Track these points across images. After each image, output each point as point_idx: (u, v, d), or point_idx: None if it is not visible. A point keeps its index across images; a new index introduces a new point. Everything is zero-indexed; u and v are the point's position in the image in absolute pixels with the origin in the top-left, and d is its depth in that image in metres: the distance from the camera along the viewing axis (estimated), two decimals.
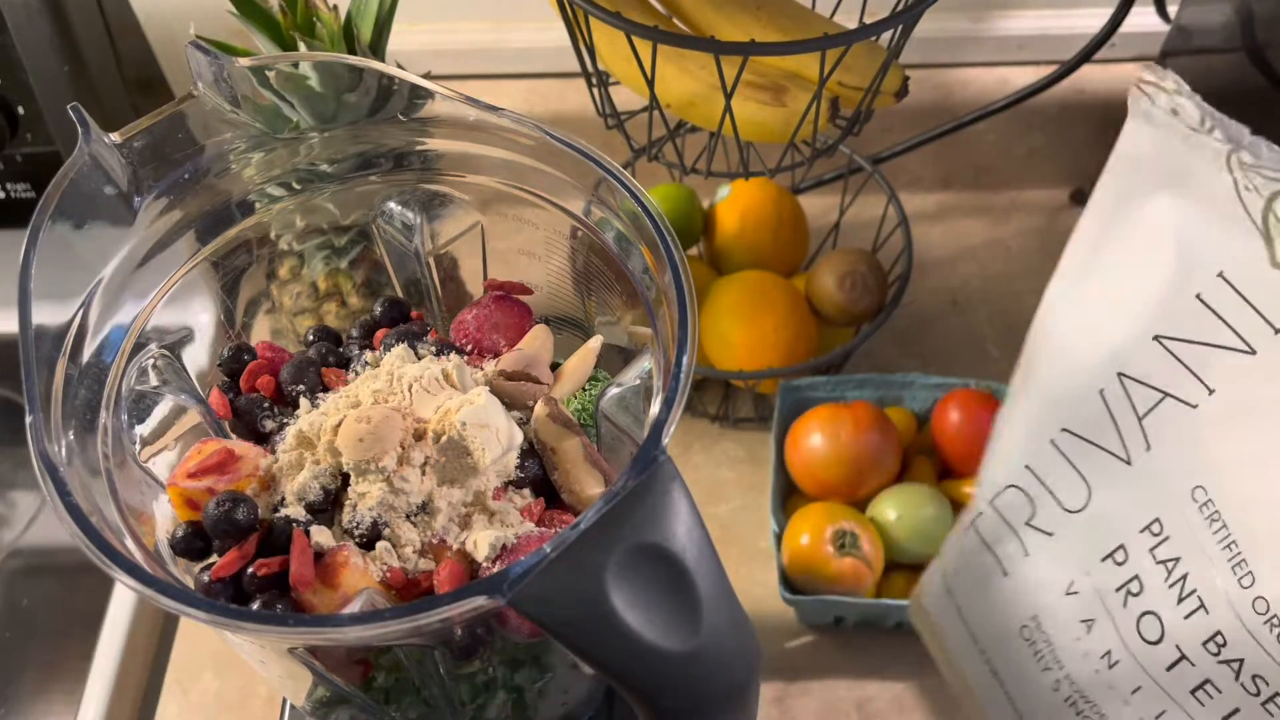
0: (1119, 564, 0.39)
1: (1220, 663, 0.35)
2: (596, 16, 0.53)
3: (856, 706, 0.66)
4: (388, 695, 0.39)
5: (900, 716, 0.65)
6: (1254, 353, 0.33)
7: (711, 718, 0.33)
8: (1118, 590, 0.39)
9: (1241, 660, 0.35)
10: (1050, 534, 0.42)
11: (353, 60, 0.42)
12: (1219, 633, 0.35)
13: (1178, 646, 0.37)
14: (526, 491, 0.38)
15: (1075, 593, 0.41)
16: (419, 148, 0.43)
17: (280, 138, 0.42)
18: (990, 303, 0.85)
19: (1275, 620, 0.33)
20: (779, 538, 0.65)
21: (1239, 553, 0.34)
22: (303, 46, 0.52)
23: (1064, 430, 0.40)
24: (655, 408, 0.35)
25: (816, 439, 0.66)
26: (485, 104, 0.39)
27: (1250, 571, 0.34)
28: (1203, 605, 0.36)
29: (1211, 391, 0.34)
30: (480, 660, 0.38)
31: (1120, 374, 0.37)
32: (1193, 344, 0.34)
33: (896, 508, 0.65)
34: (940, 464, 0.70)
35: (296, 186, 0.43)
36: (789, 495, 0.70)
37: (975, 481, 0.68)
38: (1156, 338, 0.35)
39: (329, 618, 0.33)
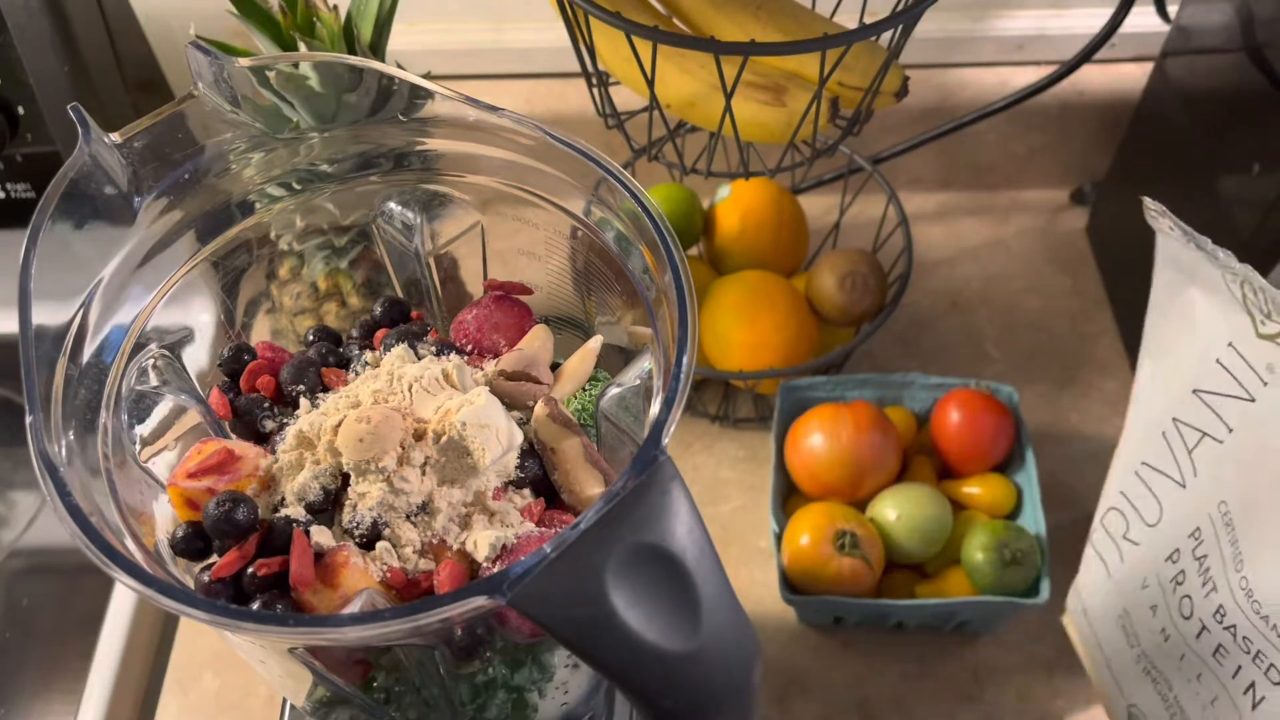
0: (1174, 563, 0.50)
1: (1224, 629, 0.46)
2: (596, 16, 0.53)
3: (856, 706, 0.66)
4: (388, 695, 0.39)
5: (900, 716, 0.65)
6: (1253, 400, 0.43)
7: (711, 718, 0.33)
8: (1170, 581, 0.50)
9: (1235, 625, 0.45)
10: (1137, 544, 0.53)
11: (353, 60, 0.42)
12: (1221, 606, 0.46)
13: (1200, 619, 0.48)
14: (526, 491, 0.38)
15: (1147, 587, 0.52)
16: (419, 148, 0.43)
17: (280, 138, 0.42)
18: (990, 303, 0.85)
19: (1250, 593, 0.44)
20: (779, 538, 0.65)
21: (1238, 547, 0.44)
22: (303, 46, 0.52)
23: (1144, 463, 0.51)
24: (655, 408, 0.35)
25: (816, 439, 0.66)
26: (485, 104, 0.39)
27: (1242, 558, 0.44)
28: (1215, 587, 0.46)
29: (1230, 430, 0.44)
30: (480, 660, 0.38)
31: (1174, 419, 0.48)
32: (1217, 395, 0.45)
33: (896, 508, 0.65)
34: (940, 464, 0.70)
35: (296, 186, 0.43)
36: (789, 495, 0.70)
37: (975, 481, 0.68)
38: (1195, 391, 0.46)
39: (329, 618, 0.33)
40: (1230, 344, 0.43)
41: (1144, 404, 0.51)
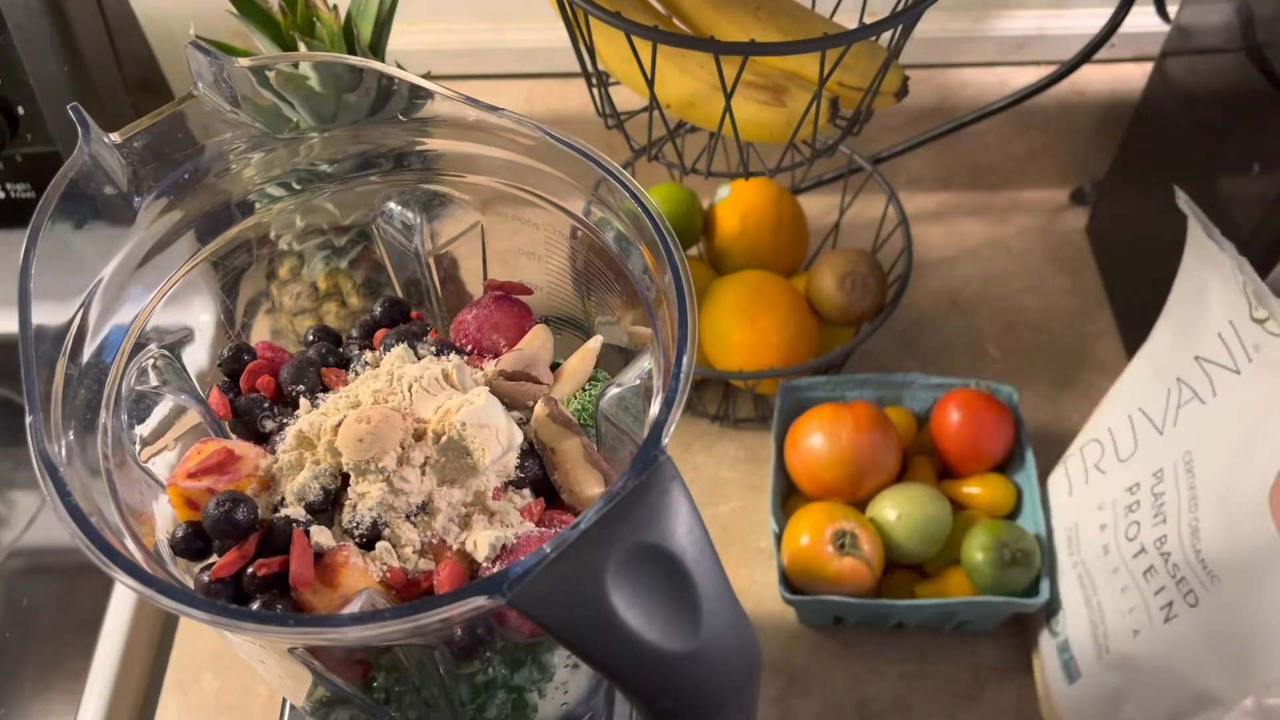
0: (1132, 493, 0.58)
1: (1160, 554, 0.54)
2: (596, 16, 0.53)
3: (856, 706, 0.66)
4: (388, 695, 0.39)
5: (900, 716, 0.65)
6: (1238, 372, 0.51)
7: (711, 718, 0.33)
8: (1124, 507, 0.59)
9: (1170, 553, 0.54)
10: (1104, 472, 0.62)
11: (353, 60, 0.42)
12: (1165, 535, 0.54)
13: (1141, 542, 0.56)
14: (526, 491, 0.38)
15: (1102, 508, 0.61)
16: (419, 148, 0.43)
17: (280, 138, 0.42)
18: (990, 303, 0.85)
19: (1195, 530, 0.52)
20: (779, 538, 0.65)
21: (1195, 492, 0.52)
22: (303, 46, 0.52)
23: (1139, 409, 0.59)
24: (655, 408, 0.35)
25: (816, 439, 0.66)
26: (485, 104, 0.39)
27: (1197, 501, 0.52)
28: (1165, 519, 0.54)
29: (1215, 394, 0.52)
30: (480, 660, 0.38)
31: (1178, 378, 0.55)
32: (1212, 364, 0.53)
33: (896, 508, 0.65)
34: (940, 464, 0.70)
35: (296, 186, 0.43)
36: (789, 495, 0.70)
37: (975, 481, 0.68)
38: (1197, 358, 0.54)
39: (329, 618, 0.33)
40: (1230, 322, 0.51)
41: (1154, 360, 0.59)
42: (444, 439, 0.35)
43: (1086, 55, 0.75)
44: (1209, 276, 0.52)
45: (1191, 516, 0.52)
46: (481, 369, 0.40)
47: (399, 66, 0.41)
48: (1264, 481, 0.48)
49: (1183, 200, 0.52)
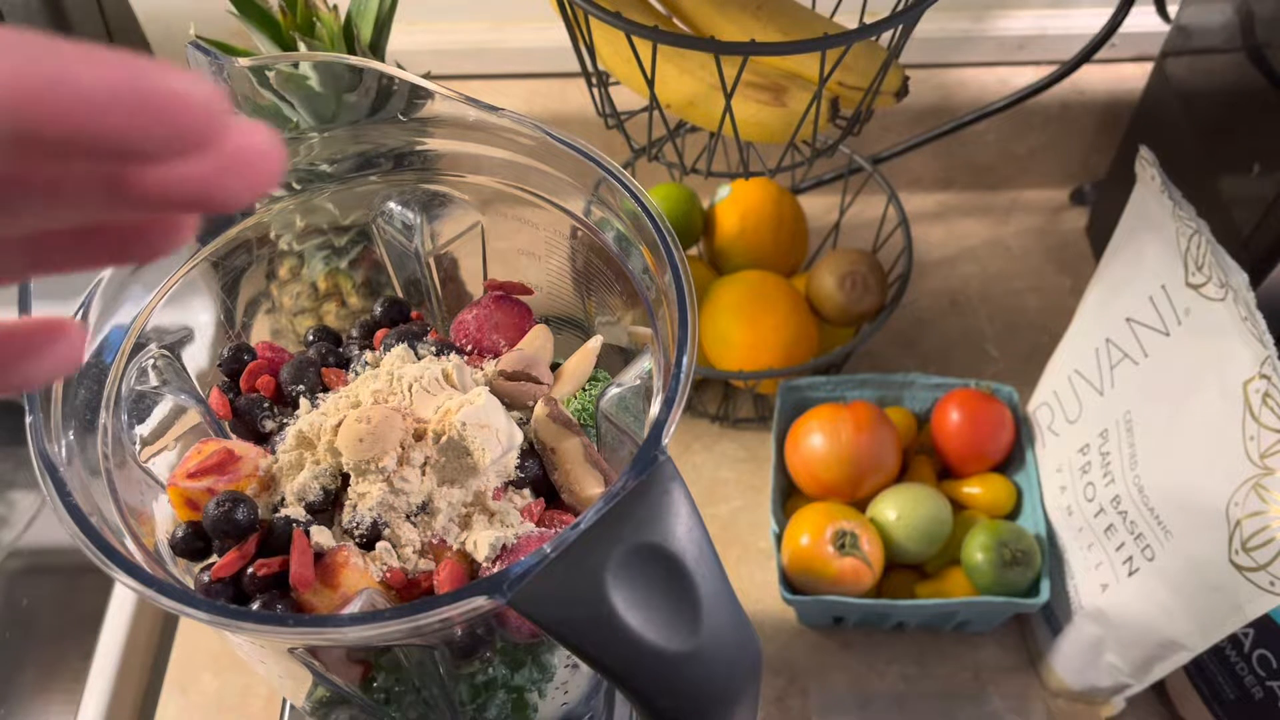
0: (1083, 454, 0.62)
1: (1118, 513, 0.58)
2: (596, 16, 0.53)
3: (857, 707, 0.66)
4: (388, 695, 0.39)
5: (900, 716, 0.65)
6: (1168, 334, 0.53)
7: (711, 718, 0.33)
8: (1078, 469, 0.62)
9: (1126, 511, 0.57)
10: (1058, 435, 0.66)
11: (353, 60, 0.42)
12: (1118, 495, 0.57)
13: (1099, 502, 0.59)
14: (526, 491, 0.38)
15: (1060, 470, 0.65)
16: (419, 148, 0.43)
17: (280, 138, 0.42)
18: (990, 303, 0.85)
19: (1140, 488, 0.55)
20: (779, 538, 0.65)
21: (1135, 450, 0.55)
22: (303, 46, 0.52)
23: (1075, 371, 0.63)
24: (655, 408, 0.35)
25: (816, 439, 0.66)
26: (485, 104, 0.39)
27: (1137, 459, 0.55)
28: (1114, 479, 0.58)
29: (1146, 355, 0.55)
30: (480, 660, 0.38)
31: (1107, 339, 0.59)
32: (1143, 326, 0.55)
33: (896, 508, 0.65)
34: (940, 464, 0.70)
35: (296, 186, 0.43)
36: (789, 495, 0.70)
37: (975, 481, 0.68)
38: (1127, 320, 0.57)
39: (329, 618, 0.33)
40: (1163, 286, 0.53)
41: (1087, 322, 0.62)
42: (444, 439, 0.35)
43: (1086, 55, 0.75)
44: (1147, 240, 0.54)
45: (1134, 474, 0.55)
46: (481, 369, 0.40)
47: (399, 66, 0.41)
48: (1197, 441, 0.51)
49: (1145, 160, 0.53)
